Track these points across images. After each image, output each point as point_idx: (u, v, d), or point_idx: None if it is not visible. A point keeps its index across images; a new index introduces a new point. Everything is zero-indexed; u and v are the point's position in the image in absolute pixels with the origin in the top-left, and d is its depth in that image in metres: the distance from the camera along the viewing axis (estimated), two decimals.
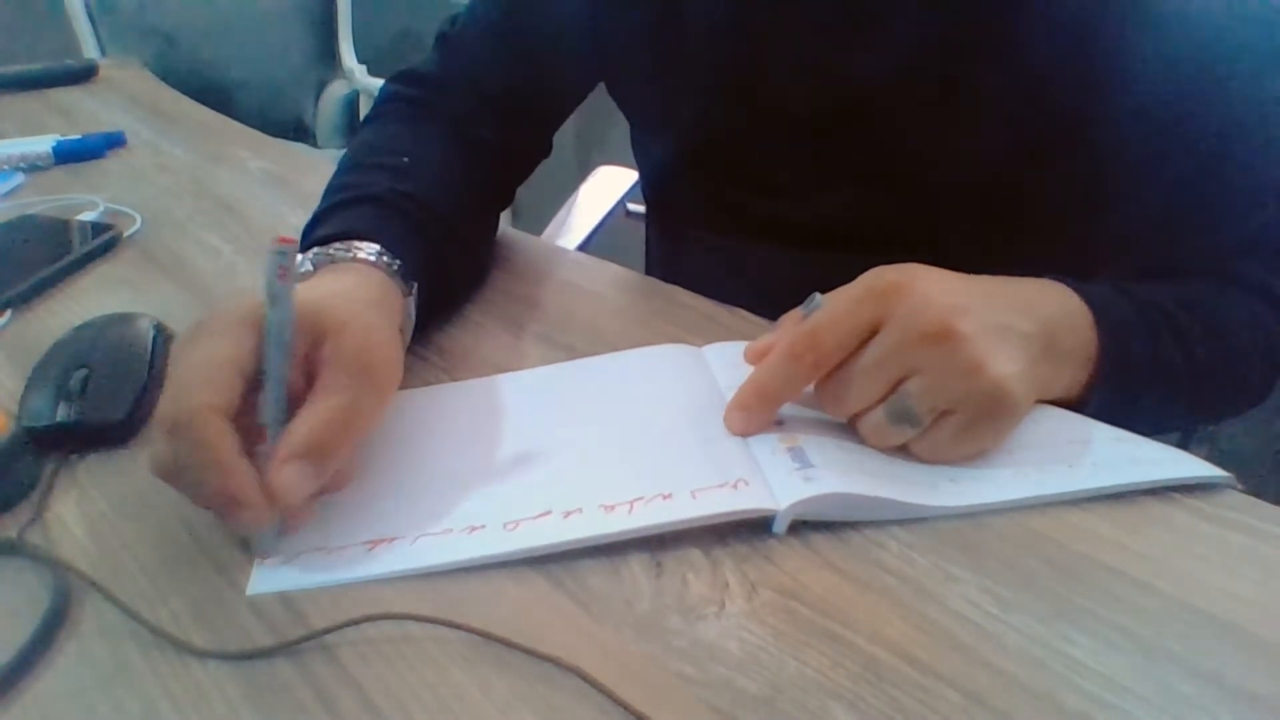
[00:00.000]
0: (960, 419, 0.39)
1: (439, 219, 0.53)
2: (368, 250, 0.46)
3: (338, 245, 0.46)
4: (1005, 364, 0.38)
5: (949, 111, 0.53)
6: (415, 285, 0.48)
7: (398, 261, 0.47)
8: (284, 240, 0.34)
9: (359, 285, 0.44)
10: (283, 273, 0.35)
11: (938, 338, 0.37)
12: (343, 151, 0.65)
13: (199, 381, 0.35)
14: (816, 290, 0.41)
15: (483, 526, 0.37)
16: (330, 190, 0.54)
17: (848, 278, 0.40)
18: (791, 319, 0.42)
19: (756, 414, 0.41)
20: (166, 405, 0.34)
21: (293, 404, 0.36)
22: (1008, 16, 0.49)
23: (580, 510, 0.38)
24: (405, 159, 0.56)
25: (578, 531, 0.36)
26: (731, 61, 0.58)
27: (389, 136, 0.62)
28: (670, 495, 0.38)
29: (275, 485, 0.34)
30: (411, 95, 0.65)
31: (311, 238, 0.48)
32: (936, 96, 0.53)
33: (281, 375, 0.36)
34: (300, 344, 0.37)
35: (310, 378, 0.37)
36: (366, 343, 0.38)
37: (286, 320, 0.36)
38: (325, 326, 0.38)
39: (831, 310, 0.39)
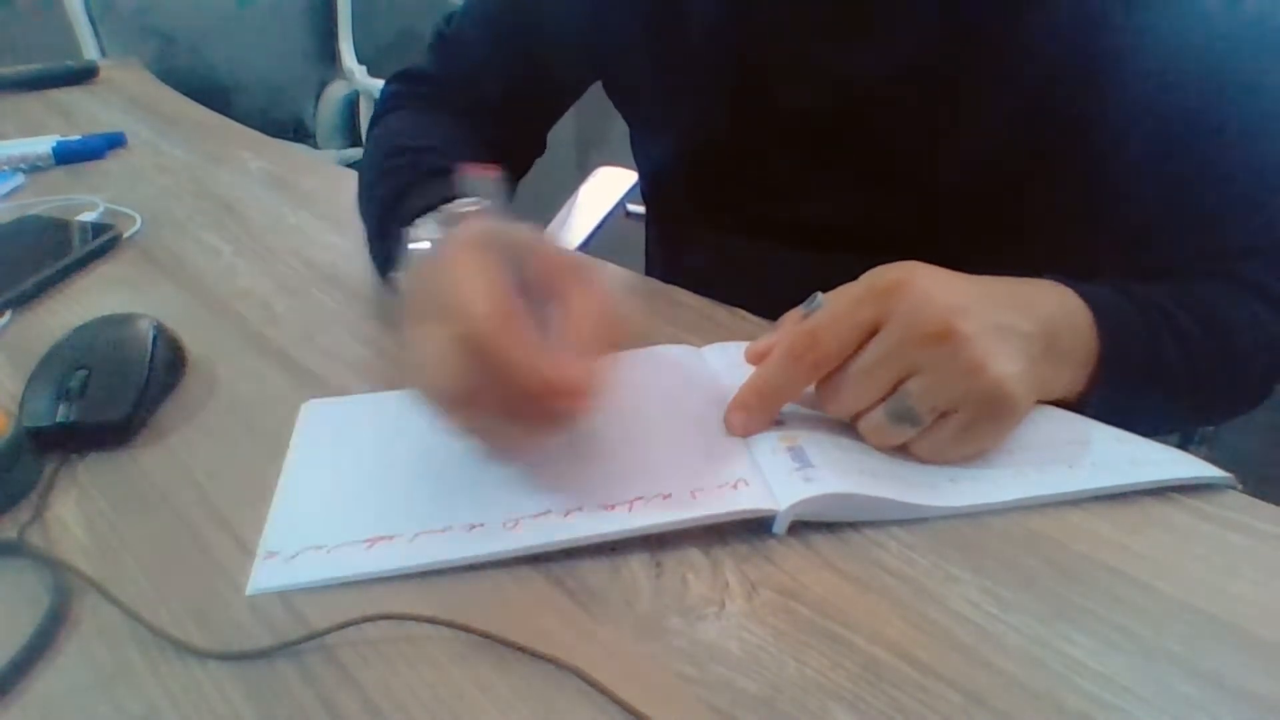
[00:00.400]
0: (961, 419, 0.39)
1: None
2: (481, 204, 0.46)
3: (454, 205, 0.47)
4: (1006, 364, 0.38)
5: (949, 112, 0.53)
6: None
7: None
8: (478, 169, 0.35)
9: (502, 223, 0.43)
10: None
11: (938, 337, 0.37)
12: (342, 152, 0.66)
13: (478, 295, 0.34)
14: (814, 290, 0.41)
15: (482, 525, 0.37)
16: (390, 172, 0.55)
17: (848, 278, 0.40)
18: (792, 319, 0.42)
19: (757, 414, 0.41)
20: (455, 325, 0.33)
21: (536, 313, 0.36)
22: (1008, 17, 0.49)
23: (580, 509, 0.38)
24: (439, 143, 0.58)
25: (578, 531, 0.36)
26: (731, 61, 0.58)
27: (417, 125, 0.63)
28: (670, 495, 0.38)
29: (578, 371, 0.34)
30: (416, 93, 0.66)
31: (411, 212, 0.48)
32: (937, 97, 0.53)
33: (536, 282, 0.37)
34: (528, 260, 0.37)
35: (544, 287, 0.37)
36: (570, 250, 0.39)
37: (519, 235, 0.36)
38: (528, 242, 0.38)
39: (832, 310, 0.39)
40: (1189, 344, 0.46)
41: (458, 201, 0.47)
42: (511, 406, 0.34)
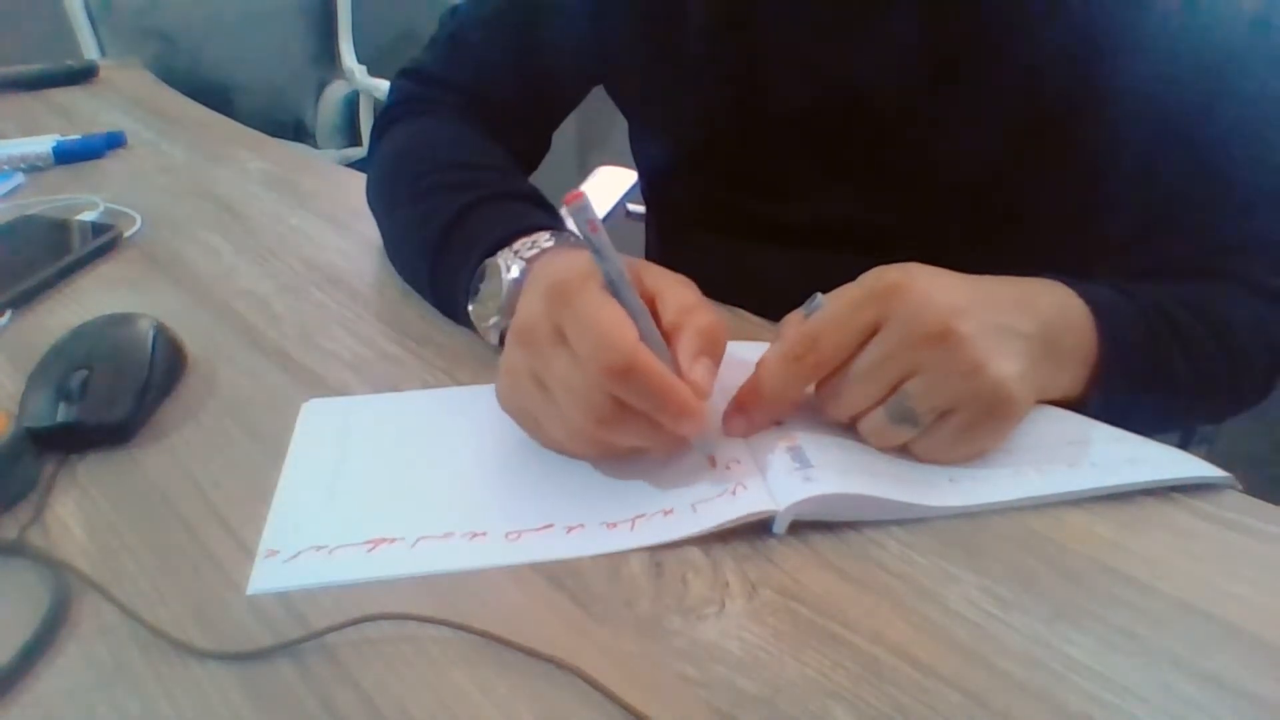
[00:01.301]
0: (960, 419, 0.38)
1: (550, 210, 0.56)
2: (560, 238, 0.49)
3: (534, 237, 0.49)
4: (1005, 364, 0.38)
5: (949, 112, 0.53)
6: None
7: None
8: (572, 198, 0.36)
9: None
10: (592, 226, 0.36)
11: (937, 339, 0.37)
12: (342, 152, 0.67)
13: (615, 324, 0.36)
14: (814, 290, 0.41)
15: (484, 534, 0.37)
16: (446, 187, 0.56)
17: (848, 278, 0.40)
18: (793, 321, 0.42)
19: (756, 416, 0.41)
20: (601, 355, 0.35)
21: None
22: (1007, 17, 0.49)
23: (583, 526, 0.38)
24: (487, 159, 0.59)
25: (579, 549, 0.37)
26: (731, 61, 0.58)
27: (455, 136, 0.63)
28: (672, 511, 0.38)
29: (697, 385, 0.37)
30: (432, 96, 0.66)
31: (488, 241, 0.50)
32: (936, 97, 0.53)
33: (643, 308, 0.38)
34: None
35: (648, 306, 0.40)
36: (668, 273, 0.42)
37: (619, 264, 0.37)
38: (631, 266, 0.40)
39: (831, 312, 0.39)
40: (1190, 343, 0.46)
41: (538, 235, 0.49)
42: (658, 421, 0.37)
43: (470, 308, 0.50)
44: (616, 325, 0.36)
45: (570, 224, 0.37)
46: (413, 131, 0.64)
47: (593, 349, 0.35)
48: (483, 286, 0.49)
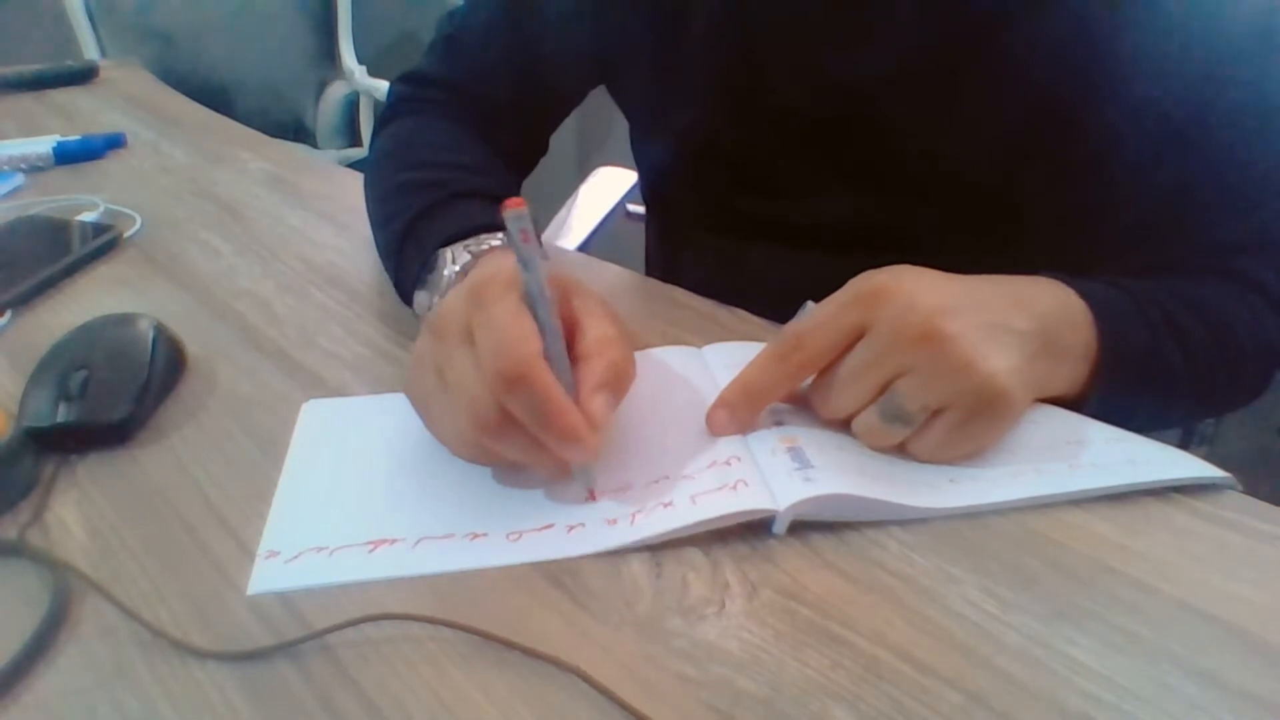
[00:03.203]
0: (954, 417, 0.39)
1: None
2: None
3: (485, 236, 0.49)
4: (996, 360, 0.38)
5: (948, 112, 0.53)
6: None
7: (542, 249, 0.49)
8: (512, 205, 0.35)
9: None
10: (524, 236, 0.36)
11: (924, 339, 0.37)
12: (342, 152, 0.67)
13: (518, 335, 0.36)
14: (815, 291, 0.41)
15: (485, 535, 0.37)
16: (411, 185, 0.56)
17: (848, 278, 0.40)
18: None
19: (740, 414, 0.41)
20: (498, 361, 0.35)
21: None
22: (1007, 17, 0.49)
23: (583, 525, 0.38)
24: (468, 158, 0.59)
25: (580, 547, 0.37)
26: (731, 62, 0.58)
27: (437, 136, 0.63)
28: (671, 503, 0.38)
29: (590, 414, 0.36)
30: (426, 97, 0.66)
31: (441, 235, 0.50)
32: (936, 97, 0.53)
33: (556, 328, 0.38)
34: (553, 300, 0.39)
35: (567, 329, 0.40)
36: (601, 296, 0.42)
37: (543, 278, 0.37)
38: (565, 283, 0.40)
39: (817, 314, 0.39)
40: (1187, 340, 0.46)
41: (490, 235, 0.49)
42: (539, 437, 0.36)
43: (415, 295, 0.51)
44: (520, 336, 0.35)
45: (510, 230, 0.36)
46: (398, 132, 0.65)
47: (490, 354, 0.35)
48: (429, 277, 0.50)
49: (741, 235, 0.65)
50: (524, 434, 0.36)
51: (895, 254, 0.41)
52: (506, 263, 0.38)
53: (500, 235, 0.49)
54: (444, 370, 0.38)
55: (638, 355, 0.49)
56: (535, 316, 0.37)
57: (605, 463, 0.41)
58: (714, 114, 0.60)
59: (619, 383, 0.38)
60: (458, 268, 0.48)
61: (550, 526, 0.38)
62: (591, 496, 0.39)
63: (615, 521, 0.38)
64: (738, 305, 0.56)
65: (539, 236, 0.48)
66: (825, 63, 0.55)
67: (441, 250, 0.49)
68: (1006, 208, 0.55)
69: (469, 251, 0.48)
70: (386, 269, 0.57)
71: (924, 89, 0.53)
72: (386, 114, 0.67)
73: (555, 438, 0.36)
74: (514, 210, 0.35)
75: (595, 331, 0.39)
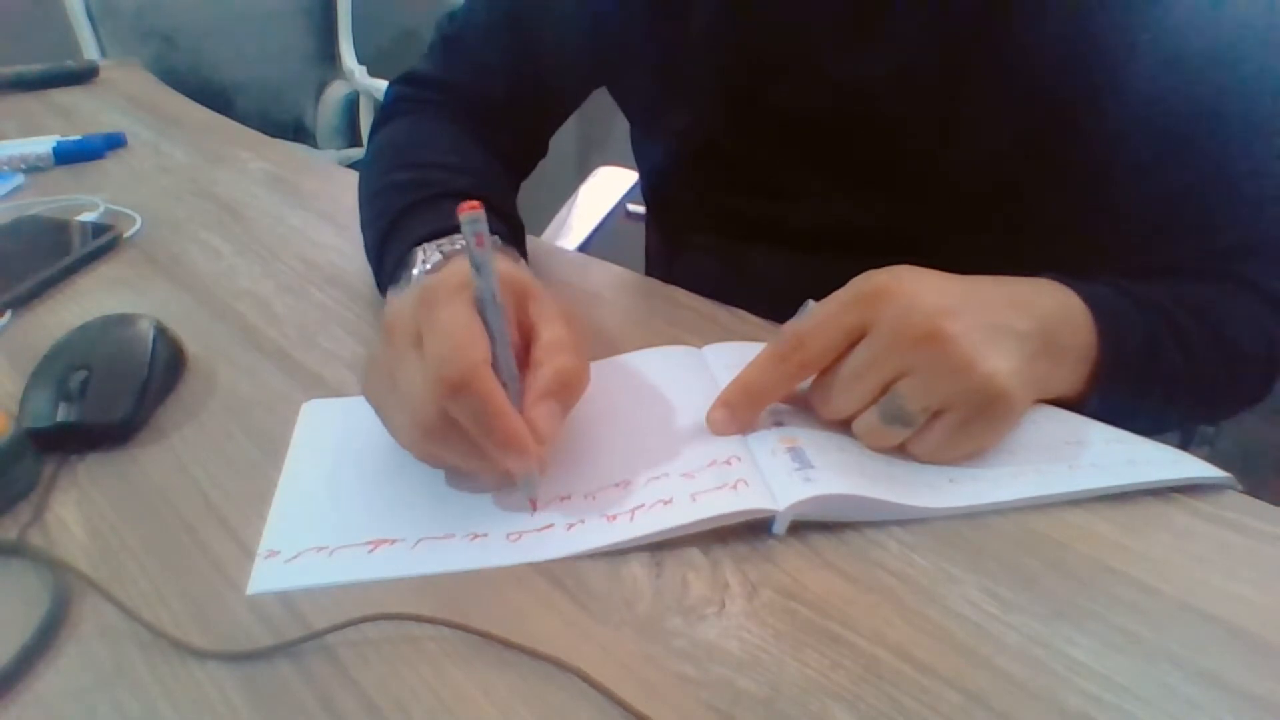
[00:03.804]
0: (954, 417, 0.39)
1: (507, 215, 0.56)
2: (493, 239, 0.48)
3: (458, 236, 0.49)
4: (997, 361, 0.38)
5: (949, 113, 0.53)
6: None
7: (514, 249, 0.51)
8: (467, 207, 0.35)
9: (515, 264, 0.46)
10: (479, 239, 0.36)
11: (925, 340, 0.37)
12: (342, 152, 0.67)
13: (465, 341, 0.35)
14: (816, 293, 0.41)
15: (485, 535, 0.37)
16: (396, 185, 0.56)
17: (848, 280, 0.40)
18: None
19: (740, 413, 0.41)
20: (442, 367, 0.35)
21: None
22: (1008, 19, 0.49)
23: (582, 522, 0.38)
24: (455, 158, 0.59)
25: (580, 544, 0.37)
26: (731, 62, 0.58)
27: (429, 134, 0.63)
28: (670, 500, 0.38)
29: (533, 424, 0.36)
30: (423, 97, 0.66)
31: (418, 234, 0.50)
32: (937, 98, 0.53)
33: (505, 334, 0.37)
34: (509, 306, 0.39)
35: (523, 335, 0.40)
36: (562, 300, 0.41)
37: (495, 283, 0.37)
38: (525, 288, 0.40)
39: (818, 314, 0.39)
40: (1188, 342, 0.46)
41: (457, 237, 0.49)
42: (482, 446, 0.36)
43: (389, 294, 0.51)
44: (466, 342, 0.35)
45: (465, 233, 0.36)
46: (391, 133, 0.65)
47: (435, 359, 0.35)
48: (401, 274, 0.50)
49: (742, 236, 0.65)
50: (467, 441, 0.36)
51: (896, 255, 0.41)
52: (462, 266, 0.38)
53: (493, 238, 0.49)
54: (395, 372, 0.38)
55: (638, 355, 0.50)
56: (485, 322, 0.37)
57: (604, 462, 0.41)
58: (714, 115, 0.60)
59: (566, 392, 0.38)
60: (428, 266, 0.47)
61: (550, 526, 0.38)
62: (533, 506, 0.39)
63: (615, 518, 0.38)
64: (738, 306, 0.56)
65: (516, 244, 0.48)
66: (826, 64, 0.55)
67: (415, 249, 0.49)
68: (1007, 209, 0.55)
69: (440, 251, 0.48)
70: (371, 268, 0.57)
71: (925, 90, 0.53)
72: (383, 114, 0.67)
73: (497, 446, 0.36)
74: (469, 213, 0.35)
75: (547, 338, 0.39)
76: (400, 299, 0.39)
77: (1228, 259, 0.50)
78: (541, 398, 0.37)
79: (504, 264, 0.42)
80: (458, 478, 0.41)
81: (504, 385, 0.37)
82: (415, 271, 0.48)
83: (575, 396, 0.39)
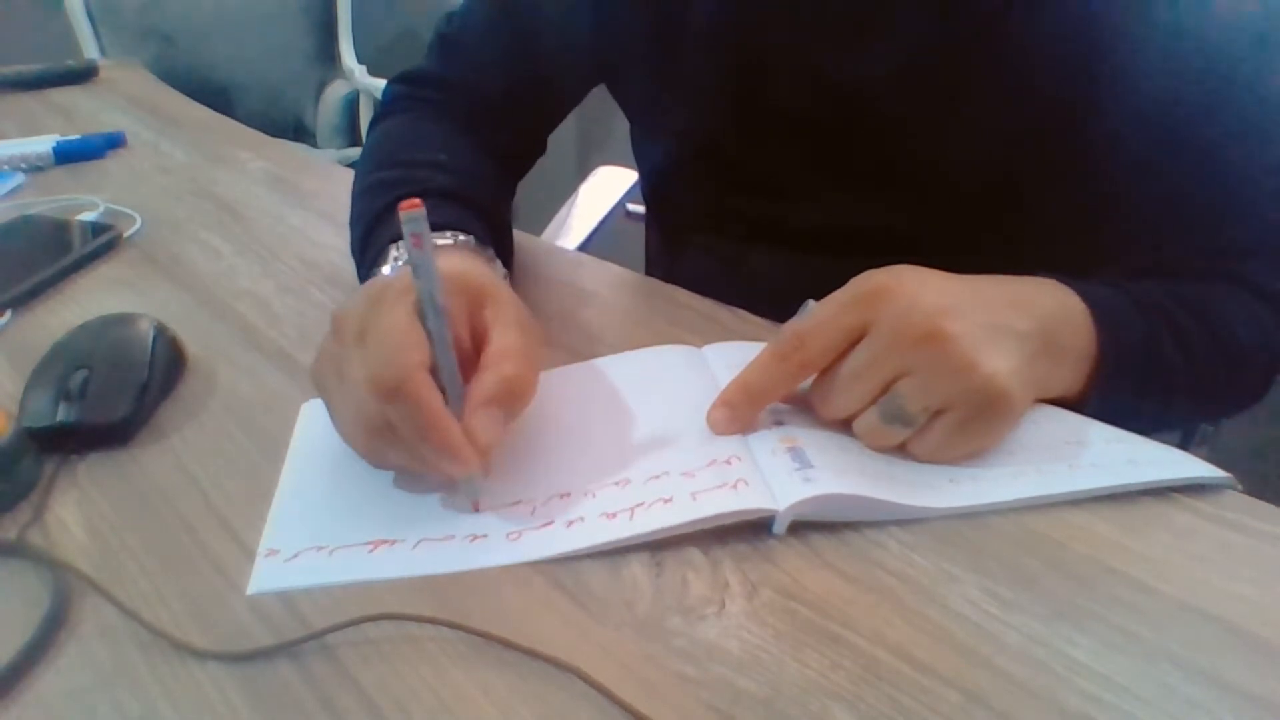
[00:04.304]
0: (954, 417, 0.39)
1: (491, 215, 0.56)
2: (465, 238, 0.49)
3: (433, 234, 0.48)
4: (998, 361, 0.38)
5: (949, 113, 0.53)
6: (507, 274, 0.52)
7: (489, 249, 0.50)
8: (408, 206, 0.35)
9: (481, 265, 0.45)
10: (417, 240, 0.35)
11: (926, 339, 0.37)
12: (342, 152, 0.67)
13: (402, 345, 0.35)
14: (815, 292, 0.41)
15: (485, 535, 0.37)
16: (381, 184, 0.56)
17: (848, 279, 0.40)
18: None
19: (740, 413, 0.41)
20: (378, 369, 0.35)
21: (461, 366, 0.38)
22: (1008, 19, 0.49)
23: (582, 519, 0.38)
24: (442, 156, 0.58)
25: (580, 541, 0.37)
26: (731, 62, 0.58)
27: (419, 133, 0.63)
28: (670, 499, 0.38)
29: (472, 431, 0.36)
30: (420, 95, 0.66)
31: (393, 231, 0.50)
32: (937, 98, 0.53)
33: (445, 337, 0.37)
34: (460, 308, 0.39)
35: (474, 338, 0.39)
36: (520, 304, 0.41)
37: (435, 285, 0.36)
38: (480, 290, 0.40)
39: (818, 314, 0.39)
40: (1187, 341, 0.46)
41: (437, 234, 0.48)
42: (417, 450, 0.36)
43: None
44: (404, 346, 0.35)
45: (404, 233, 0.36)
46: (384, 131, 0.65)
47: (372, 361, 0.35)
48: (375, 273, 0.49)
49: (742, 236, 0.65)
50: (405, 443, 0.36)
51: (895, 254, 0.41)
52: (443, 262, 0.38)
53: (447, 234, 0.49)
54: (339, 369, 0.38)
55: (638, 354, 0.50)
56: (426, 325, 0.36)
57: (604, 460, 0.41)
58: (714, 114, 0.60)
59: (510, 399, 0.38)
60: (400, 264, 0.47)
61: (550, 524, 0.38)
62: (475, 508, 0.39)
63: (614, 516, 0.38)
64: (738, 305, 0.56)
65: (497, 244, 0.47)
66: (825, 63, 0.55)
67: (389, 247, 0.49)
68: (1007, 208, 0.55)
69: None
70: (355, 265, 0.57)
71: (925, 90, 0.53)
72: (379, 113, 0.68)
73: (433, 451, 0.35)
74: (409, 212, 0.34)
75: (497, 344, 0.39)
76: (353, 296, 0.40)
77: (1227, 258, 0.50)
78: (482, 404, 0.37)
79: (462, 265, 0.42)
80: (405, 478, 0.41)
81: (444, 389, 0.37)
82: (385, 269, 0.48)
83: (519, 404, 0.39)
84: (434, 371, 0.36)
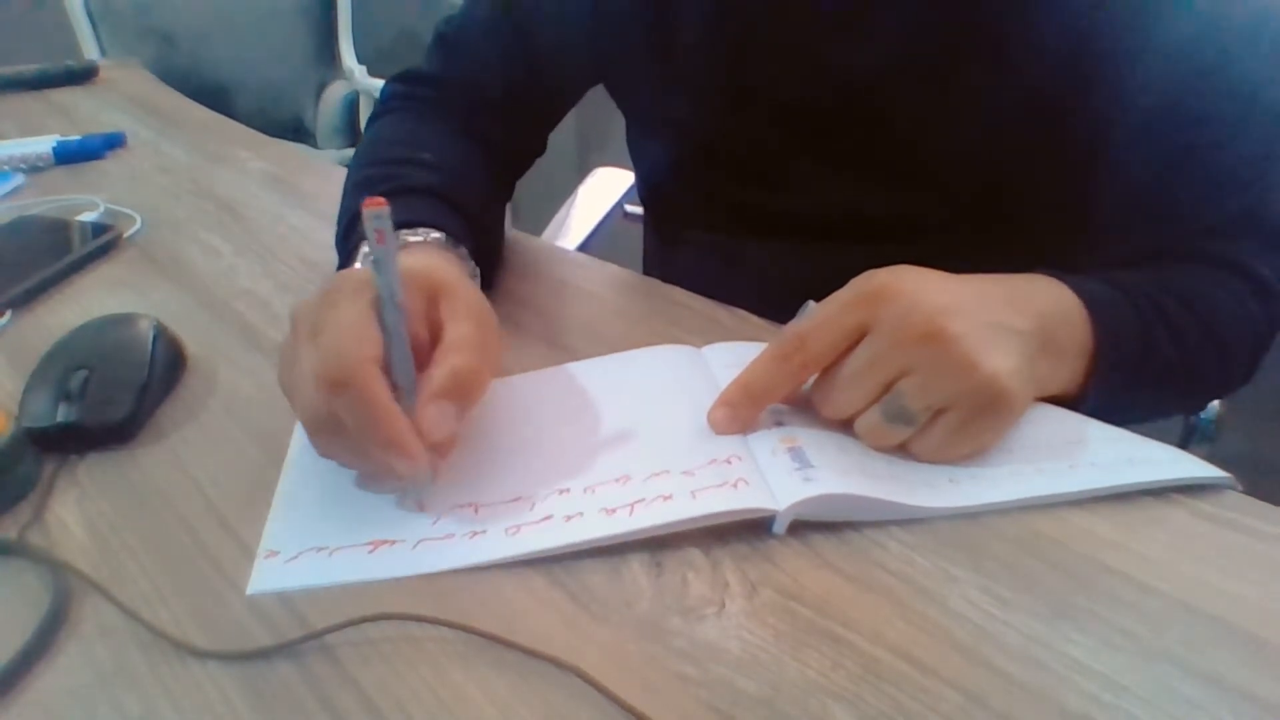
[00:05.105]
0: (956, 416, 0.39)
1: (473, 214, 0.55)
2: (437, 235, 0.49)
3: (406, 230, 0.49)
4: (999, 360, 0.38)
5: (944, 104, 0.53)
6: (478, 272, 0.51)
7: (463, 247, 0.50)
8: (371, 203, 0.35)
9: (447, 262, 0.46)
10: (380, 236, 0.35)
11: (927, 339, 0.37)
12: (342, 152, 0.67)
13: (353, 339, 0.36)
14: (814, 285, 0.41)
15: (484, 531, 0.37)
16: (366, 181, 0.56)
17: (846, 272, 0.40)
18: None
19: (741, 412, 0.41)
20: (326, 363, 0.35)
21: (417, 361, 0.38)
22: (1002, 10, 0.49)
23: (581, 514, 0.38)
24: (428, 154, 0.58)
25: (579, 535, 0.37)
26: (727, 55, 0.58)
27: (408, 132, 0.63)
28: (670, 496, 0.38)
29: (422, 425, 0.36)
30: (416, 94, 0.66)
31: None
32: (932, 89, 0.53)
33: (402, 333, 0.37)
34: (418, 303, 0.39)
35: (432, 334, 0.39)
36: (480, 299, 0.41)
37: (395, 282, 0.36)
38: (438, 286, 0.40)
39: (819, 313, 0.39)
40: (1180, 331, 0.47)
41: (410, 231, 0.49)
42: (364, 447, 0.36)
43: None
44: (354, 340, 0.35)
45: (366, 229, 0.36)
46: (377, 130, 0.65)
47: (321, 356, 0.35)
48: (347, 267, 0.50)
49: (739, 230, 0.65)
50: (351, 439, 0.36)
51: (893, 245, 0.42)
52: (406, 260, 0.38)
53: (419, 230, 0.49)
54: (294, 364, 0.38)
55: (638, 353, 0.50)
56: (382, 321, 0.36)
57: (604, 457, 0.41)
58: (711, 104, 0.60)
59: (461, 392, 0.37)
60: (372, 259, 0.48)
61: (549, 518, 0.38)
62: (420, 509, 0.38)
63: (614, 512, 0.38)
64: (736, 301, 0.56)
65: (471, 242, 0.46)
66: (822, 54, 0.55)
67: (361, 244, 0.49)
68: (1001, 199, 0.55)
69: (398, 240, 0.48)
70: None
71: (921, 79, 0.53)
72: (375, 112, 0.68)
73: (378, 446, 0.35)
74: (372, 209, 0.35)
75: (450, 337, 0.38)
76: (310, 293, 0.40)
77: (1212, 241, 0.51)
78: (433, 398, 0.36)
79: (425, 261, 0.42)
80: (362, 480, 0.41)
81: (397, 386, 0.37)
82: (358, 265, 0.48)
83: (472, 398, 0.38)
84: (391, 369, 0.37)
